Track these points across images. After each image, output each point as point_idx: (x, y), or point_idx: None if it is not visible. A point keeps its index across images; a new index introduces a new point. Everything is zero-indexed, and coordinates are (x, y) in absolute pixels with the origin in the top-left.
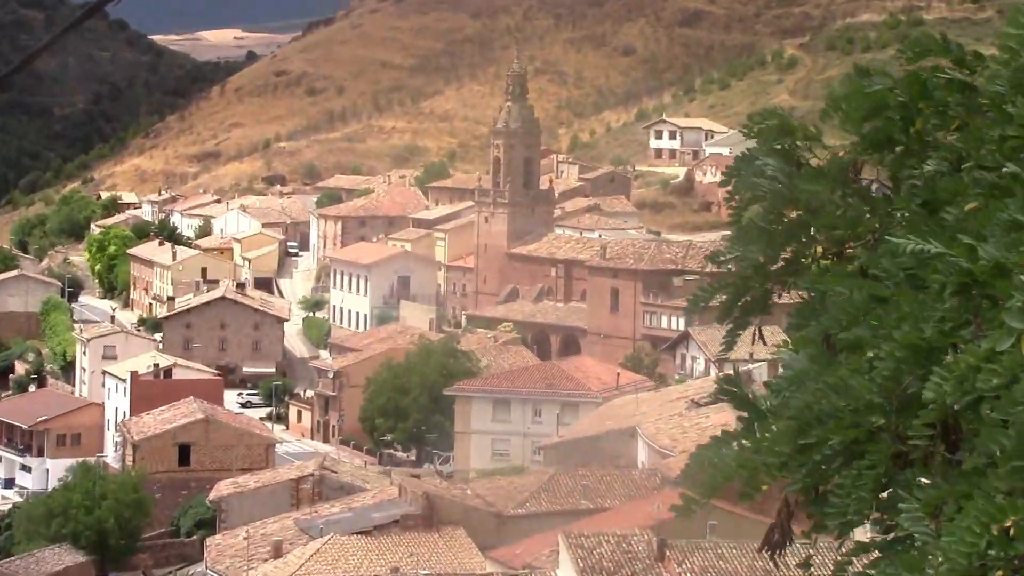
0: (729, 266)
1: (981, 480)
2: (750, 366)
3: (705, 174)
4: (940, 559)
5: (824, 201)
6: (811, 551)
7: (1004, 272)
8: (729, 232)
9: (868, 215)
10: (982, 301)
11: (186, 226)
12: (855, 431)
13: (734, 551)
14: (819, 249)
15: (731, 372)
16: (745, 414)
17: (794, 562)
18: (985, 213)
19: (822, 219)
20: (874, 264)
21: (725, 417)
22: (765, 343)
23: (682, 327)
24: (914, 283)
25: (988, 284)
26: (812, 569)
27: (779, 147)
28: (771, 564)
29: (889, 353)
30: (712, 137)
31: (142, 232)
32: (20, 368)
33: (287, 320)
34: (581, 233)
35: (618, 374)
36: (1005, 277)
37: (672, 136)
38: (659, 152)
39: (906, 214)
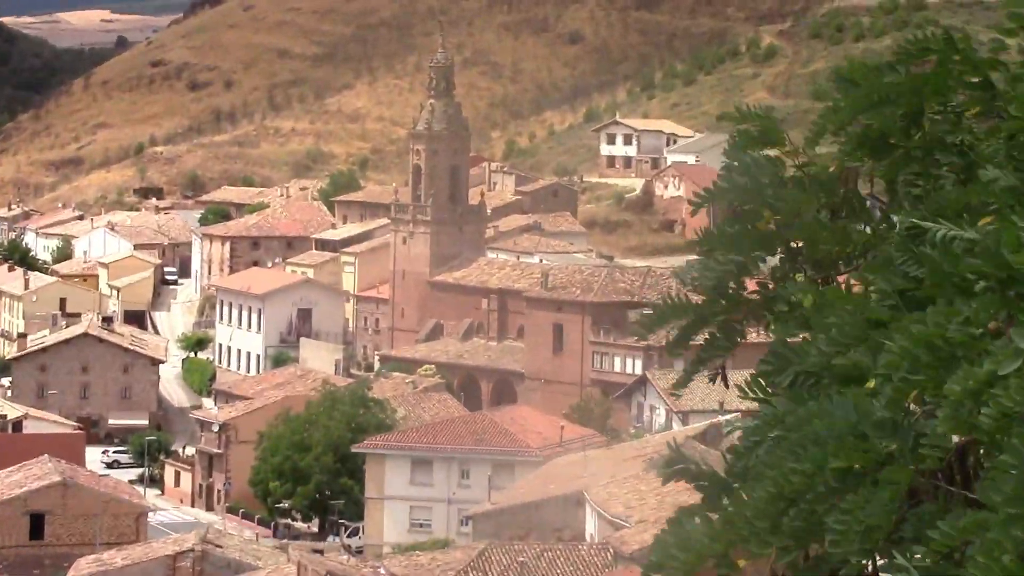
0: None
1: (983, 532)
2: (720, 418)
3: (667, 187)
4: None
5: (807, 213)
6: None
7: None
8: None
9: (859, 230)
10: (1020, 303)
11: (42, 248)
12: (863, 456)
13: None
14: (798, 277)
15: (674, 445)
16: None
17: None
18: (1009, 229)
19: (804, 230)
20: (866, 282)
21: None
22: (728, 386)
23: (639, 371)
24: (913, 304)
25: None
26: None
27: (765, 156)
28: None
29: (902, 352)
30: (675, 142)
31: None
32: None
33: (163, 362)
34: (518, 257)
35: (562, 427)
36: None
37: (627, 141)
38: (612, 160)
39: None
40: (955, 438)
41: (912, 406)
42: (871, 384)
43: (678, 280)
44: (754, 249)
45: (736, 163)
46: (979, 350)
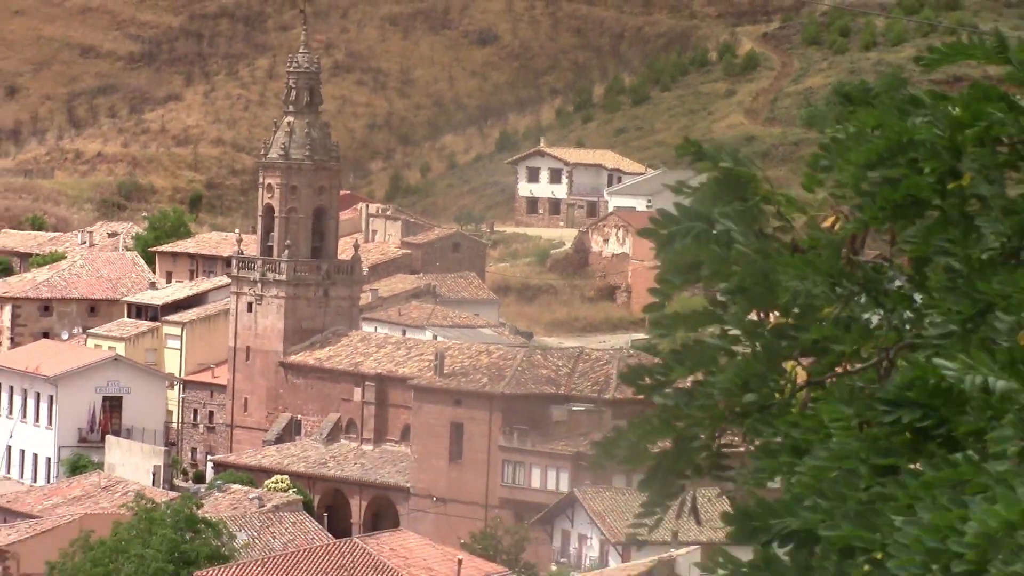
0: (657, 396)
1: None
2: (673, 552)
3: (607, 240)
4: None
5: (813, 302)
6: None
7: None
8: (644, 335)
9: (880, 325)
10: None
11: None
12: None
13: None
14: (799, 374)
15: None
16: None
17: None
18: None
19: (812, 331)
20: (875, 415)
21: None
22: (700, 522)
23: (564, 487)
24: (920, 443)
25: None
26: None
27: (736, 208)
28: None
29: (916, 543)
30: (619, 181)
31: None
32: None
33: None
34: (404, 332)
35: (460, 561)
36: None
37: (555, 178)
38: (533, 203)
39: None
40: None
41: None
42: (866, 568)
43: (634, 386)
44: (763, 364)
45: (702, 224)
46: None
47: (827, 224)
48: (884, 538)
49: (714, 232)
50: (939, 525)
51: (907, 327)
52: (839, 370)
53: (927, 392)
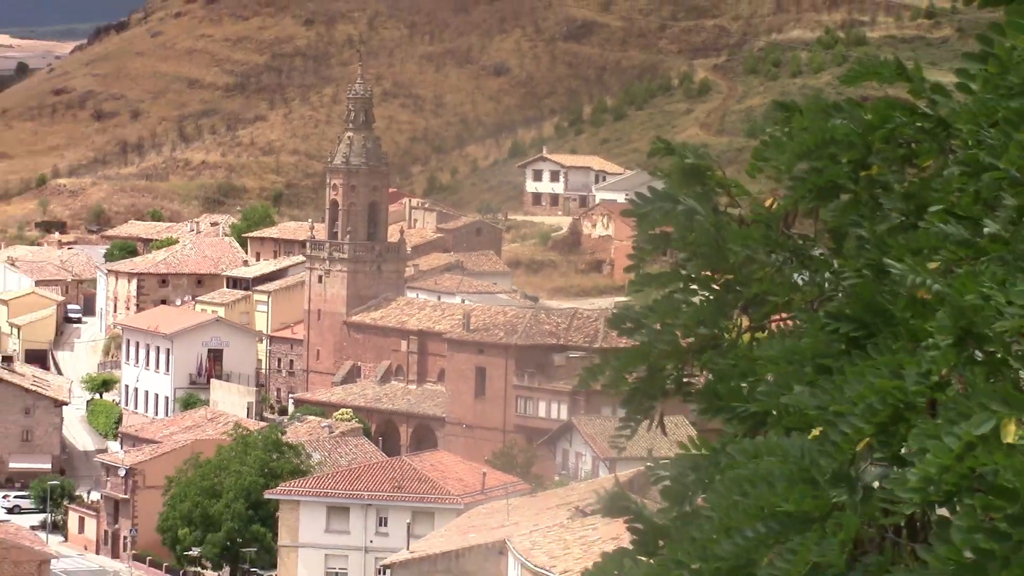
0: (636, 336)
1: None
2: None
3: (595, 225)
4: None
5: (754, 264)
6: None
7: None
8: (624, 297)
9: (806, 282)
10: (977, 356)
11: None
12: (814, 503)
13: None
14: (743, 321)
15: (617, 483)
16: (640, 528)
17: None
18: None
19: (753, 286)
20: (815, 328)
21: (617, 528)
22: (666, 433)
23: (564, 416)
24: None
25: (986, 338)
26: None
27: (697, 191)
28: None
29: (857, 398)
30: (604, 180)
31: None
32: None
33: (67, 404)
34: (439, 298)
35: (484, 474)
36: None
37: (554, 178)
38: (537, 197)
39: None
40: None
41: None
42: (816, 432)
43: (616, 328)
44: (712, 312)
45: (671, 204)
46: (930, 399)
47: (767, 204)
48: (827, 413)
49: (679, 208)
50: (880, 387)
51: (827, 285)
52: (775, 317)
53: (861, 308)
